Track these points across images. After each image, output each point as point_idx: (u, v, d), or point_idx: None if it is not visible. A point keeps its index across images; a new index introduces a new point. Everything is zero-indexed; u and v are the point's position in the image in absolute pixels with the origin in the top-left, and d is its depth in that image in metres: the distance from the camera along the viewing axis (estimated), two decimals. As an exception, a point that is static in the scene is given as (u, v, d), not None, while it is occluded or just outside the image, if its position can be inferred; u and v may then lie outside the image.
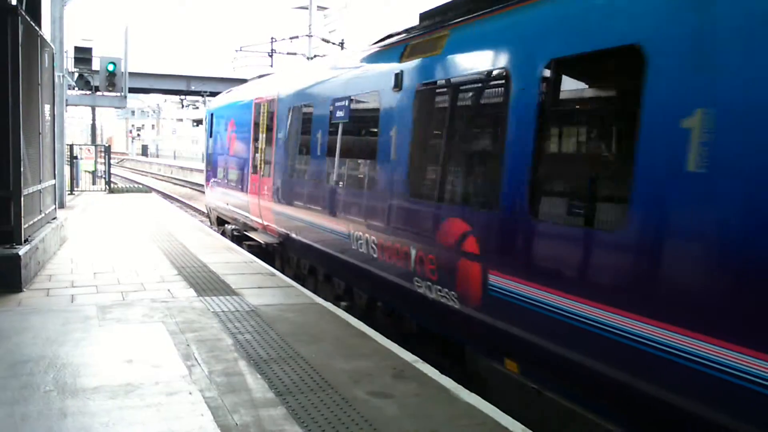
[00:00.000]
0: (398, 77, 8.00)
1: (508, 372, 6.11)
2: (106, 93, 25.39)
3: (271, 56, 38.88)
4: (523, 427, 4.99)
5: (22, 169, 9.11)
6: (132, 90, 36.33)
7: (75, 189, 26.31)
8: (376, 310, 9.13)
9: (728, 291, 3.95)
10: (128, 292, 9.00)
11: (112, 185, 28.78)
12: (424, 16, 8.50)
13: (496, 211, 6.00)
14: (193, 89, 53.73)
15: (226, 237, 16.27)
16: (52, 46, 13.30)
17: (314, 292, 10.33)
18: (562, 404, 5.44)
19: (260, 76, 16.89)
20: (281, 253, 13.38)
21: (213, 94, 25.25)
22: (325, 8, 40.20)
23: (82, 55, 25.78)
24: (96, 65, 25.47)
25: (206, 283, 9.80)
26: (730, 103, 3.99)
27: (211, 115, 19.69)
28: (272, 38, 39.32)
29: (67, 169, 23.16)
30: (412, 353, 6.73)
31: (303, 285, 10.95)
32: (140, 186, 33.24)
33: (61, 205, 18.51)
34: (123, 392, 5.39)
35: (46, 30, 15.28)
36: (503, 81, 6.13)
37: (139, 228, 15.96)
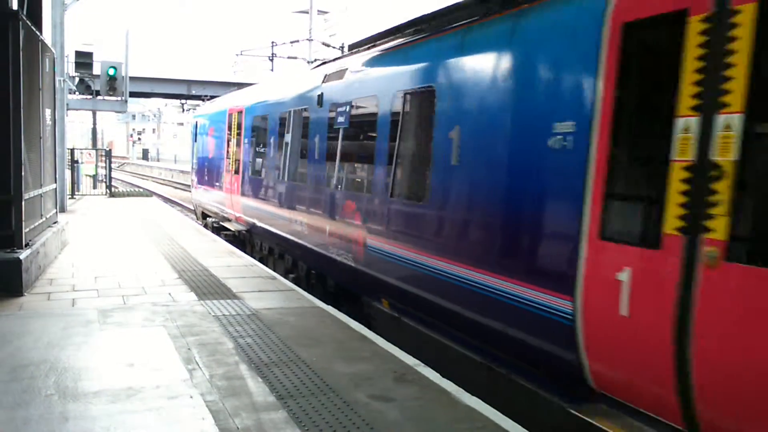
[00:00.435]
0: (320, 97, 10.89)
1: (383, 308, 8.84)
2: (106, 97, 25.38)
3: (271, 60, 38.94)
4: (524, 430, 4.99)
5: (23, 173, 9.12)
6: (133, 94, 36.37)
7: (76, 193, 26.33)
8: (310, 277, 11.76)
9: (482, 237, 6.59)
10: (129, 296, 9.01)
11: (112, 189, 28.80)
12: (350, 47, 11.82)
13: (369, 194, 8.90)
14: (194, 93, 53.72)
15: (208, 229, 18.61)
16: (53, 50, 13.33)
17: (273, 269, 12.88)
18: (414, 327, 8.05)
19: (239, 88, 22.18)
20: (249, 240, 15.97)
21: (213, 98, 25.32)
22: (326, 12, 40.31)
23: (83, 60, 25.80)
24: (97, 69, 25.46)
25: (207, 286, 9.80)
26: (466, 124, 6.80)
27: (196, 122, 22.73)
28: (273, 42, 39.40)
29: (68, 173, 23.17)
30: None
31: (265, 264, 13.53)
32: (141, 190, 33.25)
33: (62, 209, 18.53)
34: (124, 396, 5.39)
35: (47, 34, 15.31)
36: (375, 103, 8.91)
37: (140, 232, 15.97)
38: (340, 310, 9.13)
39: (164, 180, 60.60)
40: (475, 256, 6.51)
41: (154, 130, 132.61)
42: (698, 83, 4.23)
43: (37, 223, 10.48)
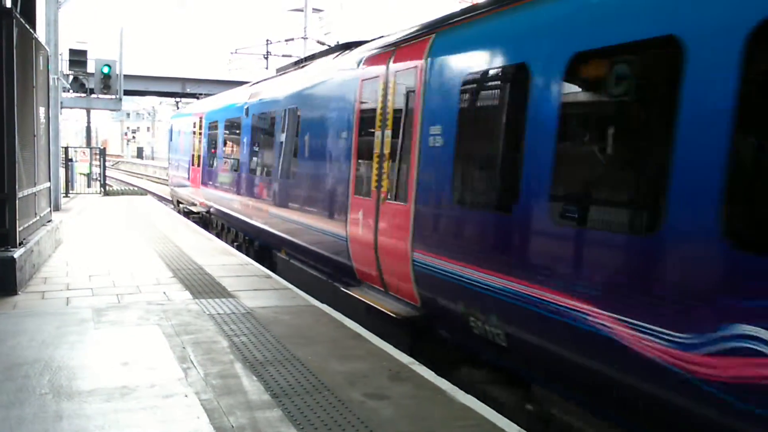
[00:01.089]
0: (247, 110, 14.88)
1: (282, 256, 12.67)
2: (101, 95, 25.32)
3: (266, 58, 38.89)
4: (518, 428, 5.00)
5: (16, 171, 9.10)
6: (127, 92, 36.27)
7: (70, 191, 26.28)
8: (246, 243, 15.58)
9: (316, 200, 10.37)
10: (124, 295, 9.00)
11: (107, 188, 28.74)
12: (277, 70, 16.08)
13: (270, 177, 12.78)
14: (189, 91, 53.52)
15: (180, 214, 22.38)
16: (47, 48, 13.29)
17: (225, 241, 16.28)
18: (300, 267, 11.63)
19: (207, 96, 26.31)
20: (210, 221, 19.69)
21: (208, 96, 25.36)
22: (321, 10, 40.28)
23: (77, 58, 25.68)
24: (91, 68, 25.38)
25: (202, 285, 9.80)
26: (310, 129, 10.75)
27: (171, 125, 27.57)
28: (268, 40, 39.39)
29: (62, 171, 23.11)
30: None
31: (220, 238, 16.73)
32: (135, 188, 33.20)
33: (56, 208, 18.47)
34: (119, 395, 5.39)
35: (40, 32, 15.22)
36: (274, 115, 12.84)
37: (135, 230, 15.94)
38: (262, 264, 12.76)
39: (159, 178, 60.45)
40: (316, 213, 10.27)
41: (148, 128, 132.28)
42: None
43: (31, 222, 10.46)
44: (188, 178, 21.97)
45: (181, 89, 54.52)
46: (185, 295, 9.13)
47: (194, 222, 19.86)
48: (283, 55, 38.83)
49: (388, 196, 7.95)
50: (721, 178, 3.92)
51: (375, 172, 8.26)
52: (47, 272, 10.45)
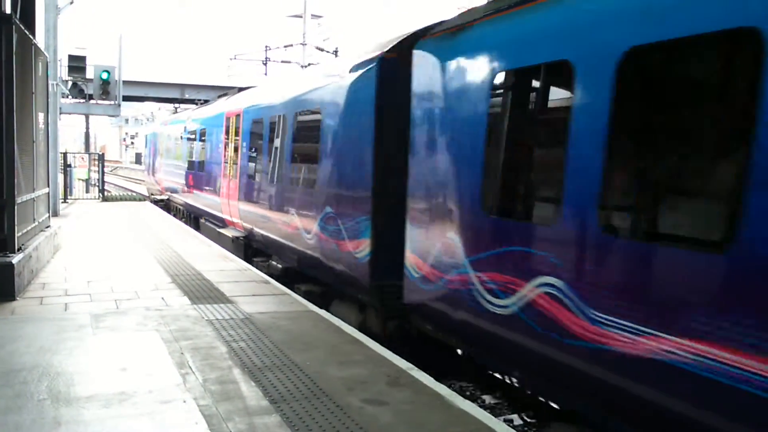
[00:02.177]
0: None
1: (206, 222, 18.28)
2: (99, 101, 25.32)
3: (265, 64, 38.92)
4: (517, 433, 5.01)
5: (15, 177, 9.10)
6: (126, 98, 36.25)
7: (68, 197, 26.25)
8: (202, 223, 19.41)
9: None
10: (122, 300, 8.99)
11: (105, 193, 28.72)
12: (239, 89, 19.17)
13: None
14: (188, 97, 53.48)
15: (150, 203, 27.56)
16: (46, 54, 13.30)
17: (189, 225, 20.56)
18: (210, 227, 17.32)
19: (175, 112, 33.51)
20: (171, 207, 25.43)
21: (207, 102, 25.49)
22: (320, 16, 40.33)
23: (76, 64, 25.68)
24: (90, 73, 25.39)
25: (200, 291, 9.79)
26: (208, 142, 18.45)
27: (146, 136, 36.12)
28: (266, 46, 39.40)
29: (60, 177, 23.08)
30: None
31: (184, 222, 20.83)
32: (134, 194, 33.14)
33: (55, 214, 18.47)
34: (117, 401, 5.38)
35: (40, 38, 15.25)
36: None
37: (133, 236, 15.94)
38: (199, 231, 17.56)
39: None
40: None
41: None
42: None
43: (29, 227, 10.46)
44: (154, 175, 27.90)
45: (180, 95, 54.49)
46: (184, 300, 9.13)
47: (160, 207, 24.58)
48: (282, 61, 38.87)
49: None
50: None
51: None
52: (46, 278, 10.44)
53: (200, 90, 52.44)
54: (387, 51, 8.31)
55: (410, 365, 6.52)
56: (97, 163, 29.50)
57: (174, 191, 24.22)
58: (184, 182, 21.90)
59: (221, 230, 16.24)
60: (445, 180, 6.79)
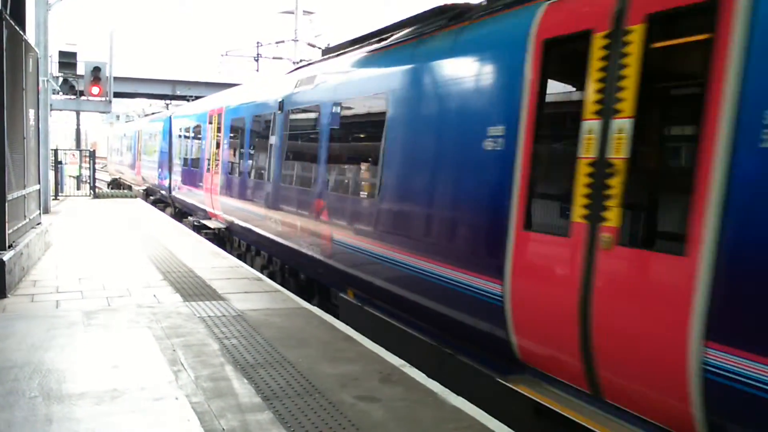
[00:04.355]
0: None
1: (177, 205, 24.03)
2: (90, 97, 25.21)
3: (256, 61, 38.81)
4: (510, 429, 5.02)
5: (6, 174, 9.06)
6: (117, 94, 36.11)
7: (59, 194, 26.14)
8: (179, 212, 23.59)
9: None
10: (113, 298, 8.97)
11: (96, 190, 28.61)
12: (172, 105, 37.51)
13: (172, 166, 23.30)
14: (179, 94, 53.37)
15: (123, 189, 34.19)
16: (37, 50, 13.23)
17: (163, 210, 24.18)
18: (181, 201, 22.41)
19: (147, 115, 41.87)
20: (148, 195, 29.88)
21: (198, 98, 25.47)
22: (311, 13, 40.21)
23: (67, 60, 25.58)
24: (81, 69, 25.28)
25: (192, 288, 9.77)
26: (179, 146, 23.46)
27: (107, 135, 47.99)
28: (258, 42, 39.24)
29: (51, 174, 22.99)
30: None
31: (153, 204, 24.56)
32: (125, 191, 33.01)
33: (46, 211, 18.39)
34: (109, 398, 5.37)
35: (30, 34, 15.17)
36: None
37: (124, 233, 15.88)
38: (157, 206, 22.42)
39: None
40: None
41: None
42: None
43: (20, 225, 10.41)
44: (133, 169, 33.29)
45: (171, 91, 54.36)
46: (175, 297, 9.11)
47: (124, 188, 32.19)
48: (274, 58, 38.75)
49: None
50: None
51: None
52: (37, 275, 10.40)
53: (191, 86, 52.33)
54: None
55: (403, 362, 6.53)
56: (88, 159, 29.39)
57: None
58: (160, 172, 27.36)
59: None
60: None
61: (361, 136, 9.09)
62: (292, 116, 11.18)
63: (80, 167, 29.68)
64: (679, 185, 4.35)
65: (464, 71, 6.43)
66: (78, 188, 29.05)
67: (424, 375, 6.17)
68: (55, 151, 26.68)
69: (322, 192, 9.46)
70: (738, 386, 3.74)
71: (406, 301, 7.33)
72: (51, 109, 22.70)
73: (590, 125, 4.81)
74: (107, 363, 6.24)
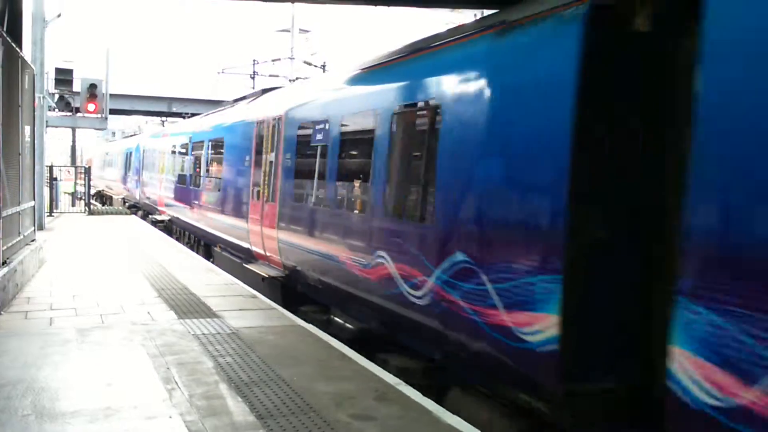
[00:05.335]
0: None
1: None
2: (86, 114, 25.21)
3: (253, 78, 38.94)
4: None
5: (1, 190, 9.04)
6: (113, 111, 36.16)
7: (54, 210, 26.08)
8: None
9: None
10: (107, 315, 8.92)
11: (91, 207, 28.57)
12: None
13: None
14: (175, 111, 53.38)
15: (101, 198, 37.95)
16: (33, 67, 13.26)
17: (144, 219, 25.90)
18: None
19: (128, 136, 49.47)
20: (132, 206, 32.22)
21: (194, 116, 25.46)
22: (307, 31, 40.43)
23: (63, 77, 25.61)
24: (77, 86, 25.31)
25: (186, 305, 9.73)
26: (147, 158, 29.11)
27: (97, 153, 54.25)
28: (254, 60, 39.41)
29: (46, 190, 22.95)
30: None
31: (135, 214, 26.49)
32: (120, 208, 32.98)
33: (41, 227, 18.33)
34: (102, 416, 5.33)
35: (27, 51, 15.23)
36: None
37: (119, 250, 15.84)
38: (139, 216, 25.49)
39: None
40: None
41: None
42: None
43: (14, 241, 10.37)
44: (123, 183, 35.69)
45: (167, 108, 54.38)
46: (170, 315, 9.07)
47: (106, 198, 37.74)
48: (270, 75, 38.90)
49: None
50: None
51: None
52: (30, 292, 10.35)
53: (187, 103, 52.34)
54: None
55: (398, 380, 6.50)
56: (83, 176, 29.36)
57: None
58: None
59: None
60: None
61: None
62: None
63: (75, 184, 29.63)
64: None
65: None
66: (73, 205, 28.99)
67: (419, 393, 6.14)
68: (51, 167, 26.65)
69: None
70: None
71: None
72: (47, 126, 22.69)
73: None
74: (101, 381, 6.20)
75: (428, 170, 6.85)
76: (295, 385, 6.26)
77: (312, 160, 10.09)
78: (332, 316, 9.60)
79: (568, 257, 4.91)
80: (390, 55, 8.70)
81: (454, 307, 6.18)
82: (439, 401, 6.13)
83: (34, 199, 12.90)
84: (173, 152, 21.56)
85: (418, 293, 6.81)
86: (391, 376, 6.66)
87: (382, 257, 7.56)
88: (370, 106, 8.35)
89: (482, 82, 6.10)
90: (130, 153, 32.76)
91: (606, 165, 5.17)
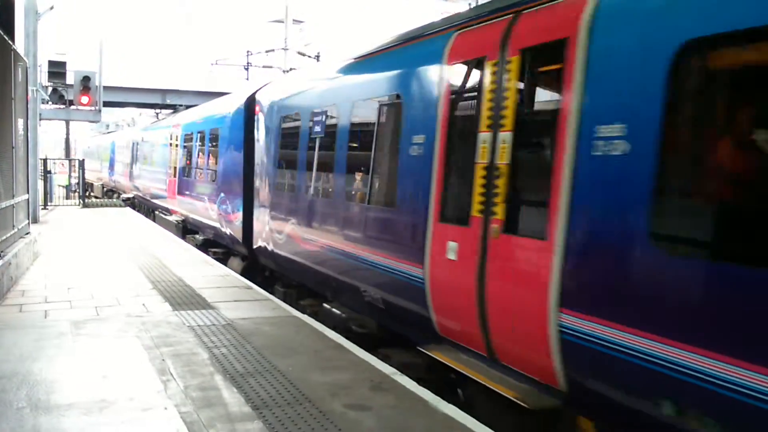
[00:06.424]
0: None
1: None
2: (80, 107, 25.11)
3: (246, 69, 38.82)
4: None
5: (-6, 183, 9.02)
6: (107, 104, 35.98)
7: (48, 203, 26.01)
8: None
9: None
10: (102, 307, 8.91)
11: (86, 199, 28.50)
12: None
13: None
14: (169, 102, 53.16)
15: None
16: (26, 60, 13.21)
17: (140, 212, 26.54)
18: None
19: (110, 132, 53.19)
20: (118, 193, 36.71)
21: (189, 108, 25.33)
22: (301, 21, 40.30)
23: (56, 69, 25.48)
24: (70, 79, 25.20)
25: (182, 297, 9.73)
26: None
27: (89, 147, 56.81)
28: (248, 51, 39.28)
29: (40, 183, 22.88)
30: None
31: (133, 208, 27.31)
32: (115, 200, 32.92)
33: (35, 220, 18.29)
34: (97, 408, 5.33)
35: (19, 44, 15.14)
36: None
37: (113, 242, 15.81)
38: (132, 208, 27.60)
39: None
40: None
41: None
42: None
43: (8, 234, 10.35)
44: (109, 174, 40.42)
45: (161, 100, 54.15)
46: (165, 306, 9.06)
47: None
48: (264, 66, 38.77)
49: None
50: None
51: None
52: (25, 285, 10.34)
53: (182, 95, 52.13)
54: None
55: (394, 370, 6.52)
56: (77, 169, 29.28)
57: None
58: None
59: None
60: None
61: None
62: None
63: (69, 176, 29.54)
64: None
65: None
66: (67, 197, 28.92)
67: (414, 383, 6.15)
68: (45, 160, 26.57)
69: None
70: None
71: None
72: (40, 119, 22.60)
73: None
74: (96, 373, 6.20)
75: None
76: (291, 375, 6.27)
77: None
78: (331, 307, 9.46)
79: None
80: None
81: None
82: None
83: (28, 192, 12.86)
84: (127, 147, 31.77)
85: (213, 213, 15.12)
86: (387, 366, 6.67)
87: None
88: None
89: None
90: (107, 148, 42.11)
91: None
